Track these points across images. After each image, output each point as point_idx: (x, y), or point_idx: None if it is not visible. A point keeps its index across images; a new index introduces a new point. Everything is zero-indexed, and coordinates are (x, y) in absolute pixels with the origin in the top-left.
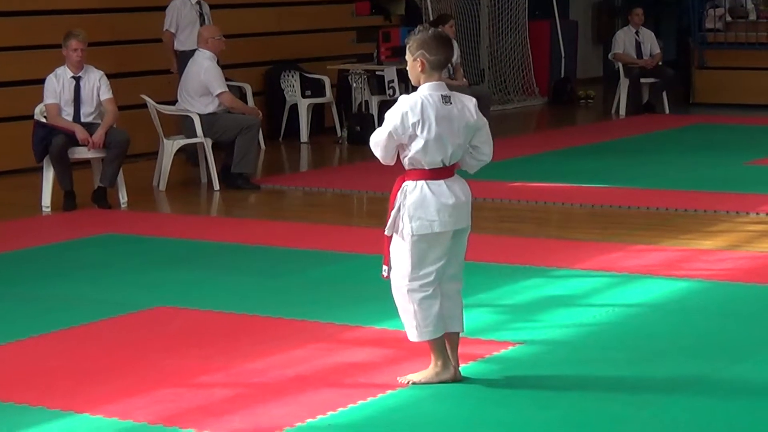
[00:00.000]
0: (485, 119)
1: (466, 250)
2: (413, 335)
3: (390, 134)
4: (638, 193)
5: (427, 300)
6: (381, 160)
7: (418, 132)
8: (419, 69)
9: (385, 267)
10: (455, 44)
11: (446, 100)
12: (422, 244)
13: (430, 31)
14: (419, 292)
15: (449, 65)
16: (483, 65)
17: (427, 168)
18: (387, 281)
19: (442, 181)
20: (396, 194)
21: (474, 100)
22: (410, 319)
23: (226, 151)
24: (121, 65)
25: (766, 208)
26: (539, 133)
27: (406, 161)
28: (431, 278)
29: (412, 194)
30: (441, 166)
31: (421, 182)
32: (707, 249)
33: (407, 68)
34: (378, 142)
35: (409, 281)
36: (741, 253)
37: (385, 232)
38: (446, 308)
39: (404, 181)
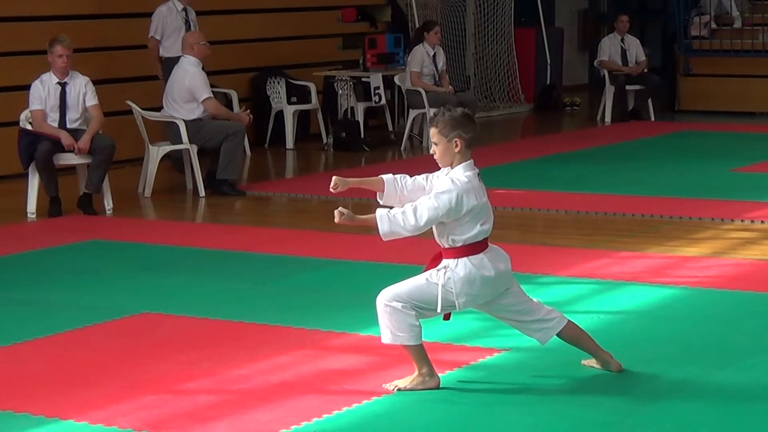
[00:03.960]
0: None
1: (519, 290)
2: (386, 338)
3: (441, 216)
4: (623, 200)
5: (402, 311)
6: (404, 237)
7: (474, 212)
8: (456, 149)
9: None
10: (442, 51)
11: (479, 177)
12: (450, 309)
13: (459, 111)
14: (397, 307)
15: (435, 74)
16: (469, 72)
17: (469, 244)
18: (377, 287)
19: (482, 255)
20: (432, 268)
21: None
22: (386, 321)
23: (212, 157)
24: (107, 71)
25: (751, 215)
26: (524, 140)
27: (448, 239)
28: (416, 314)
29: (455, 271)
30: (480, 240)
31: (464, 259)
32: (692, 256)
33: (435, 153)
34: (422, 224)
35: (395, 301)
36: (726, 260)
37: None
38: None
39: (442, 258)
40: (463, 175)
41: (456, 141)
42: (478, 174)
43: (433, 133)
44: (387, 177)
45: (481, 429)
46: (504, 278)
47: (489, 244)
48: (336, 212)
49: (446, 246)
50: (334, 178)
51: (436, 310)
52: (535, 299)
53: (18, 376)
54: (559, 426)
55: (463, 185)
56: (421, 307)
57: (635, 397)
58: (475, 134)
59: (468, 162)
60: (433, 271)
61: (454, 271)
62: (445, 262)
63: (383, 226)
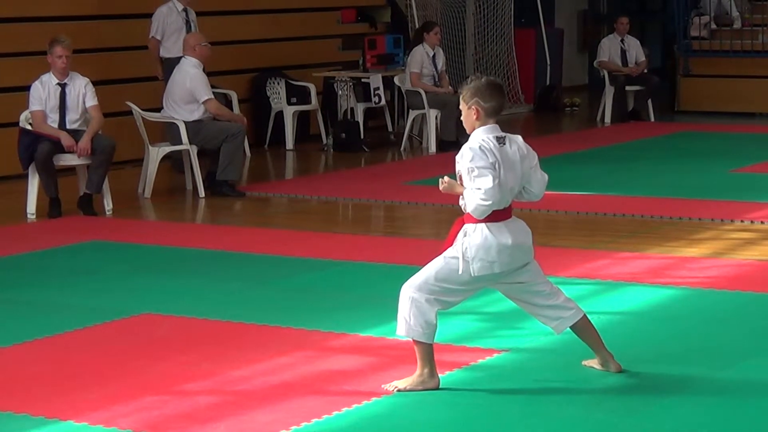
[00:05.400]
0: (535, 154)
1: (538, 270)
2: (401, 329)
3: (494, 176)
4: (623, 201)
5: (426, 304)
6: (489, 209)
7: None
8: (474, 117)
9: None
10: (441, 52)
11: (501, 141)
12: (473, 283)
13: (483, 80)
14: (420, 300)
15: (435, 75)
16: (468, 72)
17: None
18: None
19: (501, 223)
20: (455, 235)
21: (519, 137)
22: (405, 312)
23: (212, 158)
24: (107, 72)
25: (751, 215)
26: (524, 141)
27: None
28: (438, 298)
29: (473, 236)
30: (500, 207)
31: (482, 225)
32: (692, 256)
33: (462, 117)
34: (490, 185)
35: (420, 292)
36: (726, 261)
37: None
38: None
39: (464, 223)
40: (476, 138)
41: (474, 108)
42: (501, 137)
43: (460, 98)
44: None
45: (481, 429)
46: (522, 251)
47: (513, 216)
48: (440, 180)
49: (467, 211)
50: (446, 177)
51: (459, 285)
52: (555, 285)
53: (18, 377)
54: (559, 426)
55: (477, 143)
56: (446, 290)
57: (635, 397)
58: (498, 104)
59: (488, 126)
60: (450, 248)
61: (471, 236)
62: (465, 227)
63: (468, 205)
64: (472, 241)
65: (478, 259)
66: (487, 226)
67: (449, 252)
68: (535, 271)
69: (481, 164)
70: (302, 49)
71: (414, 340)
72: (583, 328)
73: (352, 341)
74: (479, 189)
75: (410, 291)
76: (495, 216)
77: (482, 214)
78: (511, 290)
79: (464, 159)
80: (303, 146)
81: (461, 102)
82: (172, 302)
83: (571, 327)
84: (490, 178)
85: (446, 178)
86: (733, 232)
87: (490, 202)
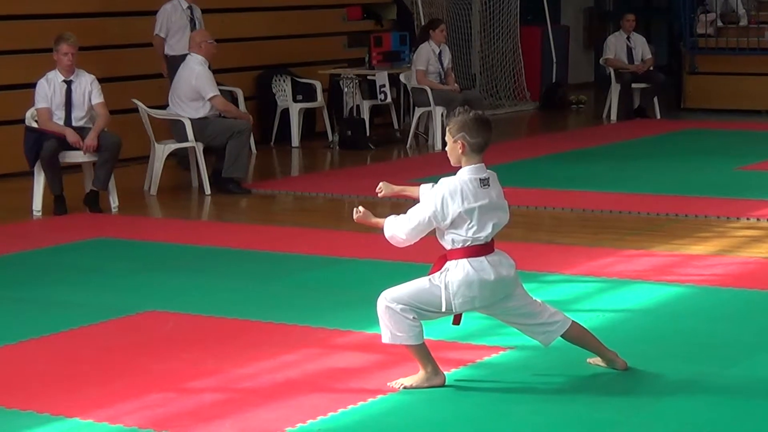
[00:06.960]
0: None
1: (524, 293)
2: (386, 338)
3: (429, 219)
4: (629, 198)
5: (400, 313)
6: (402, 241)
7: (462, 217)
8: (460, 151)
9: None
10: (447, 49)
11: (484, 183)
12: (451, 312)
13: (470, 114)
14: (395, 309)
15: (441, 72)
16: (474, 70)
17: (468, 246)
18: (383, 285)
19: (483, 258)
20: (437, 270)
21: (495, 174)
22: (385, 321)
23: (217, 155)
24: (112, 69)
25: (757, 213)
26: (530, 138)
27: (448, 239)
28: (415, 310)
29: (455, 272)
30: (482, 243)
31: (463, 261)
32: (698, 254)
33: (447, 149)
34: (412, 227)
35: (395, 303)
36: (731, 259)
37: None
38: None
39: (446, 260)
40: (459, 178)
41: (460, 143)
42: (485, 179)
43: (447, 130)
44: (424, 186)
45: (487, 427)
46: (505, 284)
47: (496, 249)
48: (354, 210)
49: (448, 247)
50: (381, 183)
51: (438, 311)
52: (539, 300)
53: (23, 374)
54: (564, 424)
55: (452, 187)
56: (423, 309)
57: (640, 395)
58: (484, 140)
59: (474, 166)
60: (436, 273)
61: (453, 272)
62: (447, 264)
63: (386, 229)
64: (454, 277)
65: (460, 294)
66: (468, 262)
67: (435, 278)
68: (521, 296)
69: (430, 206)
70: (308, 47)
71: (404, 345)
72: (577, 336)
73: (358, 338)
74: (407, 221)
75: (386, 301)
76: (477, 251)
77: (390, 239)
78: (497, 313)
79: (433, 187)
80: (309, 143)
81: (447, 134)
82: (178, 299)
83: (564, 338)
84: (416, 222)
85: (361, 209)
86: (739, 229)
87: (403, 238)
